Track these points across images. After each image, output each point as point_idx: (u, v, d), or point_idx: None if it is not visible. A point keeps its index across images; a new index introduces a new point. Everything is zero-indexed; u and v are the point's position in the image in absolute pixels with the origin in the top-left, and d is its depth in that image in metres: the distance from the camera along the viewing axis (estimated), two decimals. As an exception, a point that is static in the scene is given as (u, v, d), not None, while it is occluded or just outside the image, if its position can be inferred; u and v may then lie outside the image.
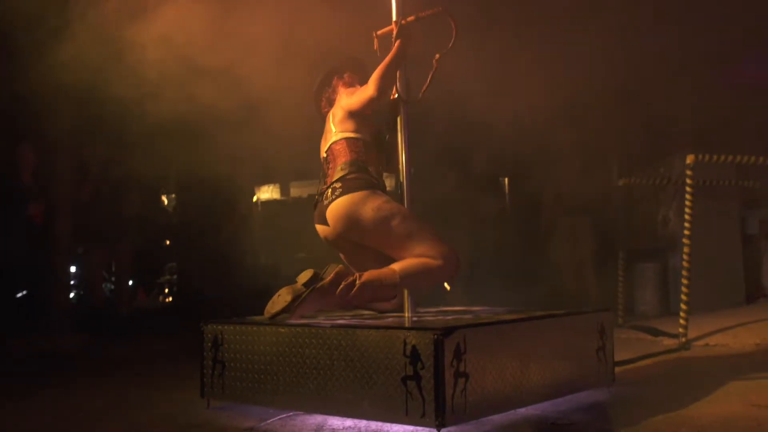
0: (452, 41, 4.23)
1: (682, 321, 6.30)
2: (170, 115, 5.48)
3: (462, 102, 7.12)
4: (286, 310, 3.94)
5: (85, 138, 7.83)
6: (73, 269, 8.95)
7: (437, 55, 4.28)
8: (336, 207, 4.13)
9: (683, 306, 6.32)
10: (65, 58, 5.05)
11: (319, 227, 4.31)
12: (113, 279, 9.38)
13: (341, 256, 4.39)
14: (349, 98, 4.29)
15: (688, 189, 6.40)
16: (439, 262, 4.02)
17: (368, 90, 4.17)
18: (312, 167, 4.60)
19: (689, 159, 6.34)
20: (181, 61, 5.30)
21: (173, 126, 6.13)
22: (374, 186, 4.15)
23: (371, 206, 4.07)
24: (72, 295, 8.78)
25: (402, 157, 4.29)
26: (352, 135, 4.27)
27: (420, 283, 4.09)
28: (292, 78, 4.78)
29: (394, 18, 4.34)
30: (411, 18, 4.29)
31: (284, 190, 11.51)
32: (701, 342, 6.32)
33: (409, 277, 4.02)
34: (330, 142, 4.30)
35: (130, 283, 9.34)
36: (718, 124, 7.97)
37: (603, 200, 8.56)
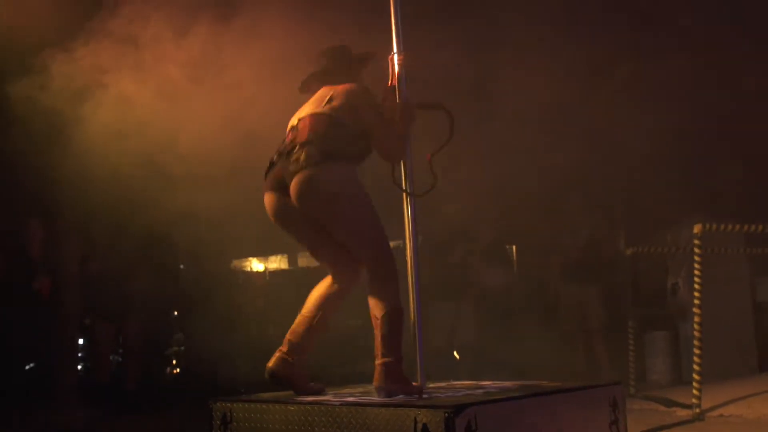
0: (448, 140, 4.22)
1: (695, 391, 6.22)
2: (177, 191, 5.54)
3: (468, 171, 7.17)
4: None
5: (93, 212, 7.88)
6: (80, 341, 8.92)
7: (428, 156, 4.24)
8: (307, 176, 3.86)
9: (696, 376, 6.26)
10: (73, 140, 5.15)
11: (272, 198, 4.03)
12: (121, 351, 9.33)
13: (294, 237, 4.16)
14: (383, 126, 4.06)
15: (696, 258, 6.38)
16: (385, 271, 3.90)
17: (397, 154, 4.11)
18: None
19: (696, 228, 6.34)
20: (187, 135, 5.40)
21: (180, 200, 6.20)
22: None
23: (346, 187, 3.91)
24: (79, 367, 8.73)
25: (408, 227, 4.29)
26: (339, 118, 3.99)
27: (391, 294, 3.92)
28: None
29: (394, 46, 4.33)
30: (415, 102, 4.29)
31: (292, 260, 11.52)
32: (716, 412, 6.23)
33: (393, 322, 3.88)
34: (311, 112, 4.04)
35: (138, 355, 9.28)
36: (725, 191, 8.00)
37: (611, 269, 8.55)
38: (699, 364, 6.29)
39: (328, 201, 3.90)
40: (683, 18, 7.48)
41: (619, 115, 7.49)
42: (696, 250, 6.40)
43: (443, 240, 8.58)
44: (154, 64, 5.11)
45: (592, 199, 8.21)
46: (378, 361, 3.87)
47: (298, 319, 4.21)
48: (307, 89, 4.32)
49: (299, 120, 4.08)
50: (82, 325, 8.67)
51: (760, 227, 6.55)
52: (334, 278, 4.22)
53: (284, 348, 4.16)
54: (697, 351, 6.32)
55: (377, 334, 3.90)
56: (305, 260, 11.23)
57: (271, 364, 4.13)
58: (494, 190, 7.48)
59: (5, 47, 5.15)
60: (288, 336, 4.18)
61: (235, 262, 11.60)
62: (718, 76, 7.55)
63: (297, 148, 3.92)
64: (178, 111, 5.17)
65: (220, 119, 5.43)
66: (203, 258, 9.47)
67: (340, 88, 4.12)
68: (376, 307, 3.90)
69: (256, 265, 12.12)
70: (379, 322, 3.88)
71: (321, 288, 4.24)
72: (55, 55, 5.13)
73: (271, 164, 4.07)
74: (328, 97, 4.09)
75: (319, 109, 4.04)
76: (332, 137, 3.93)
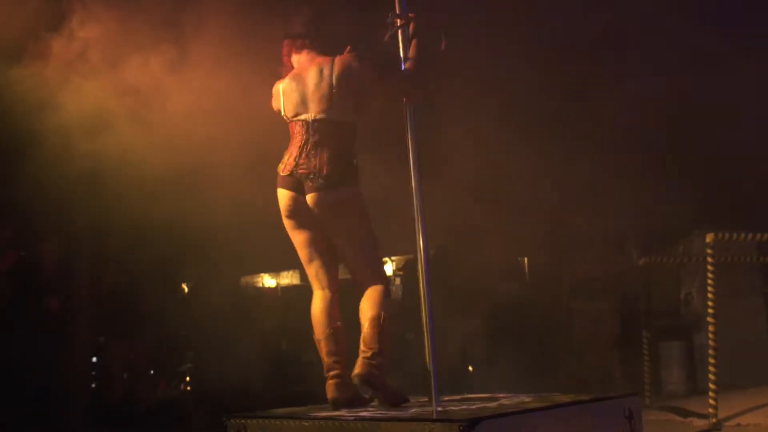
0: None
1: (711, 401, 6.19)
2: (188, 208, 5.55)
3: (480, 185, 7.17)
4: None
5: (105, 231, 7.91)
6: (93, 359, 8.91)
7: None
8: (327, 196, 4.07)
9: (712, 386, 6.22)
10: (84, 160, 5.18)
11: (289, 197, 4.15)
12: (133, 370, 9.32)
13: (297, 237, 4.24)
14: (388, 76, 4.22)
15: (709, 267, 6.36)
16: (382, 285, 4.16)
17: (416, 84, 4.19)
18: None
19: (709, 238, 6.32)
20: (198, 154, 5.41)
21: (193, 217, 6.21)
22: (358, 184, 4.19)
23: (360, 210, 4.15)
24: (93, 385, 8.73)
25: (419, 241, 4.27)
26: (348, 119, 4.16)
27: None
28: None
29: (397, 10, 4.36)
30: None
31: (304, 276, 11.51)
32: (732, 422, 6.19)
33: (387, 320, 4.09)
34: (322, 115, 4.12)
35: (151, 372, 9.28)
36: (737, 200, 7.97)
37: (624, 280, 8.52)
38: (714, 374, 6.26)
39: (341, 219, 4.13)
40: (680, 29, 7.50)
41: (629, 124, 7.49)
42: (709, 259, 6.38)
43: (455, 253, 8.57)
44: (162, 82, 5.12)
45: (604, 210, 8.18)
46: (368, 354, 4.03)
47: (327, 339, 4.22)
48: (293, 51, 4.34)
49: (314, 121, 4.13)
50: (94, 343, 8.67)
51: (773, 235, 6.53)
52: (328, 286, 4.29)
53: (337, 371, 4.15)
54: (712, 360, 6.30)
55: (371, 330, 4.06)
56: (317, 275, 11.20)
57: (333, 393, 4.11)
58: (506, 203, 7.47)
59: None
60: (330, 359, 4.19)
61: (247, 278, 11.61)
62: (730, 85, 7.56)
63: (316, 163, 4.08)
64: (186, 128, 5.18)
65: (226, 136, 5.45)
66: (215, 274, 9.48)
67: (338, 66, 4.16)
68: (368, 313, 4.10)
69: (268, 280, 12.12)
70: (375, 321, 4.06)
71: (321, 304, 4.30)
72: (61, 71, 5.15)
73: (293, 165, 4.13)
74: (329, 82, 4.14)
75: (327, 111, 4.12)
76: (346, 153, 4.12)
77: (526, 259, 9.85)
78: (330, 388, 4.13)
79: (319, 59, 4.23)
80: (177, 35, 5.12)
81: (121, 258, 8.34)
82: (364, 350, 4.05)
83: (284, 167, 4.17)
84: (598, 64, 7.49)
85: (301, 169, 4.10)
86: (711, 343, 6.32)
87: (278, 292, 11.21)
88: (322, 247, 4.24)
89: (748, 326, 8.31)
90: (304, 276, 11.63)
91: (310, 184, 4.07)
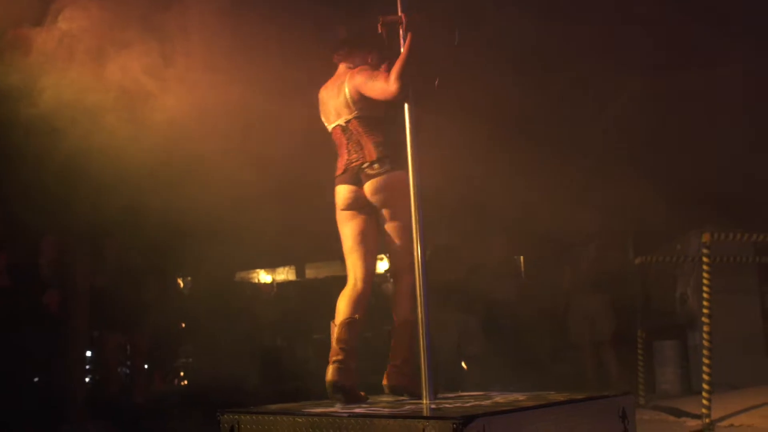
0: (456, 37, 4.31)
1: (705, 401, 6.19)
2: (187, 204, 5.54)
3: (476, 185, 7.18)
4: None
5: (101, 226, 7.89)
6: (88, 354, 8.91)
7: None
8: (385, 180, 4.30)
9: (705, 386, 6.22)
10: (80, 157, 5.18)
11: (347, 191, 4.38)
12: (129, 363, 9.32)
13: (347, 228, 4.42)
14: (370, 82, 4.29)
15: (705, 267, 6.36)
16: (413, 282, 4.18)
17: (390, 87, 4.19)
18: (327, 249, 4.54)
19: (705, 237, 6.32)
20: (194, 148, 5.41)
21: (189, 212, 6.21)
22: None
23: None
24: (87, 379, 8.73)
25: (417, 241, 4.27)
26: (377, 114, 4.37)
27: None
28: (308, 165, 4.85)
29: (399, 11, 4.34)
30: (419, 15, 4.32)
31: (300, 272, 11.52)
32: (726, 422, 6.19)
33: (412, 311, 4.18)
34: (351, 115, 4.38)
35: (146, 367, 9.28)
36: (735, 200, 7.98)
37: (620, 279, 8.52)
38: (709, 374, 6.26)
39: (396, 201, 4.28)
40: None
41: (628, 125, 7.50)
42: (705, 259, 6.38)
43: (451, 251, 8.57)
44: (163, 80, 5.11)
45: (600, 209, 8.19)
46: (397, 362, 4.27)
47: (340, 327, 4.25)
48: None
49: (347, 123, 4.41)
50: (91, 337, 8.66)
51: (769, 236, 6.54)
52: (362, 279, 4.37)
53: (340, 356, 4.18)
54: (706, 360, 6.30)
55: (404, 337, 4.27)
56: (313, 272, 11.22)
57: (332, 376, 4.14)
58: (503, 202, 7.48)
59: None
60: (338, 345, 4.21)
61: (243, 274, 11.62)
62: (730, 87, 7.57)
63: (364, 153, 4.36)
64: (185, 127, 5.18)
65: (226, 134, 5.45)
66: (211, 270, 9.48)
67: (350, 78, 4.37)
68: (410, 312, 4.23)
69: (263, 276, 12.14)
70: (408, 327, 4.24)
71: (348, 293, 4.35)
72: (66, 70, 5.13)
73: (345, 162, 4.41)
74: (344, 93, 4.38)
75: (353, 112, 4.38)
76: (388, 141, 4.36)
77: (522, 258, 9.87)
78: (329, 371, 4.16)
79: (344, 72, 4.47)
80: (176, 27, 5.12)
81: (117, 253, 8.34)
82: (393, 357, 4.31)
83: (338, 170, 4.46)
84: (595, 64, 7.49)
85: (353, 163, 4.38)
86: (705, 343, 6.33)
87: (274, 287, 11.21)
88: (366, 240, 4.40)
89: (743, 327, 8.32)
90: (300, 272, 11.69)
91: (367, 172, 4.33)
